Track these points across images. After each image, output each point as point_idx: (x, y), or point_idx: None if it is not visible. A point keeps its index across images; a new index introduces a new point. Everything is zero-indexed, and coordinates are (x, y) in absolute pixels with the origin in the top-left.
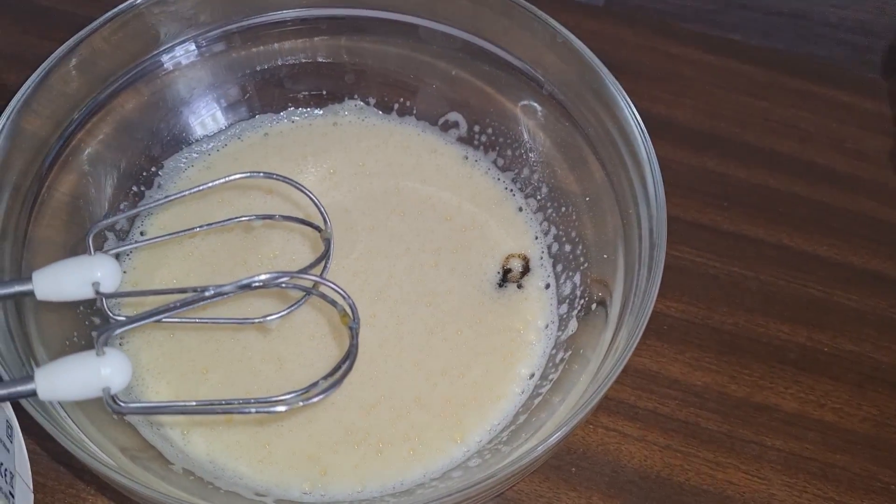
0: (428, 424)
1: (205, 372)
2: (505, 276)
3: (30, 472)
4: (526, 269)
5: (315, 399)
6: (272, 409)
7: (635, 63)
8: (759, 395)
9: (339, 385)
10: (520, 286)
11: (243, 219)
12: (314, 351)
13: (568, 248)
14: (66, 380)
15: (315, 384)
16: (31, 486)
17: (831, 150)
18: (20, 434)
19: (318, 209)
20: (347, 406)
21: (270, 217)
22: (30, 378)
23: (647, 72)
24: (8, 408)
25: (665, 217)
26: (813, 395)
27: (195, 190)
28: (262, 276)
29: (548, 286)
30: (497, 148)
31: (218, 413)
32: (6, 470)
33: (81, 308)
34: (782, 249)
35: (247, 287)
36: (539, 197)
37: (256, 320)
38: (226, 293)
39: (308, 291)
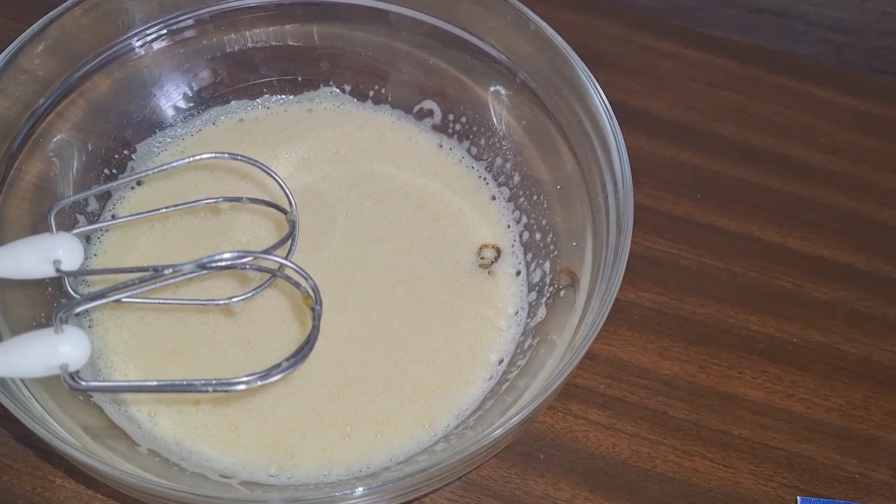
0: (396, 409)
1: (174, 355)
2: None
3: None
4: (497, 257)
5: (273, 378)
6: (232, 388)
7: (613, 55)
8: (727, 384)
9: (298, 365)
10: (491, 273)
11: (209, 200)
12: (284, 335)
13: (538, 236)
14: (24, 356)
15: (277, 365)
16: None
17: (805, 144)
18: None
19: (284, 192)
20: (316, 390)
21: (238, 199)
22: None
23: (625, 64)
24: None
25: (631, 204)
26: (780, 385)
27: (161, 169)
28: (225, 255)
29: (518, 273)
30: (471, 137)
31: (177, 391)
32: None
33: (49, 290)
34: (754, 241)
35: (208, 266)
36: (512, 185)
37: (221, 302)
38: (185, 273)
39: (273, 273)
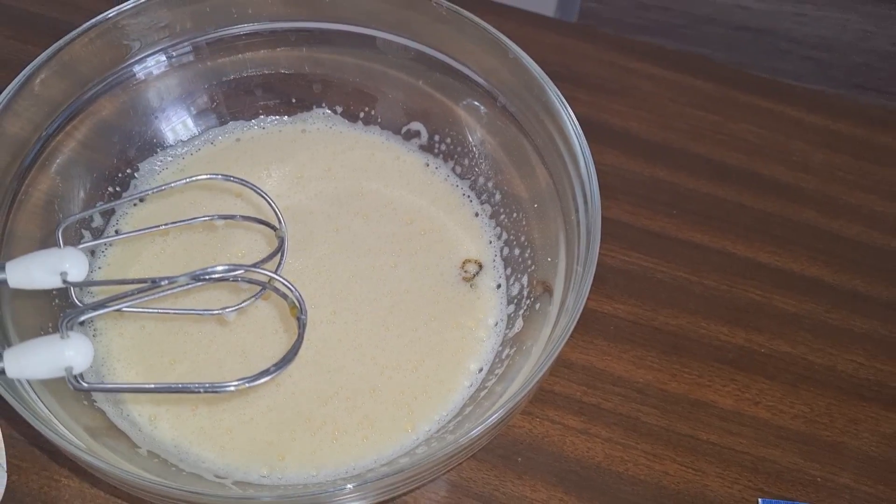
0: (381, 414)
1: (172, 363)
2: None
3: (4, 455)
4: (479, 271)
5: (261, 381)
6: (222, 389)
7: (595, 77)
8: (698, 392)
9: (283, 369)
10: (473, 286)
11: (206, 218)
12: (275, 344)
13: (517, 251)
14: (32, 359)
15: (265, 370)
16: (5, 467)
17: (777, 162)
18: None
19: (274, 210)
20: (307, 396)
21: (232, 217)
22: None
23: (606, 85)
24: None
25: (599, 217)
26: (748, 392)
27: (161, 188)
28: (218, 268)
29: (499, 286)
30: (455, 157)
31: (172, 393)
32: None
33: (56, 301)
34: (726, 256)
35: (201, 278)
36: (493, 203)
37: (215, 311)
38: (180, 284)
39: (262, 286)
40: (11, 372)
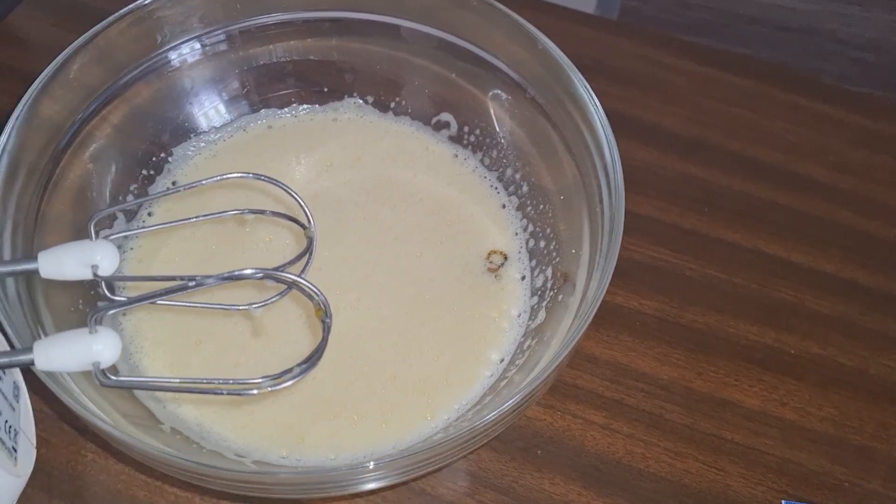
0: (401, 401)
1: (198, 343)
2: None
3: (34, 430)
4: (504, 262)
5: (284, 385)
6: (245, 392)
7: (629, 71)
8: (724, 391)
9: (307, 372)
10: (497, 277)
11: (235, 212)
12: (299, 329)
13: (543, 243)
14: (61, 353)
15: (289, 370)
16: (35, 443)
17: (813, 161)
18: (27, 395)
19: (304, 211)
20: (328, 381)
21: (261, 212)
22: (29, 350)
23: (640, 80)
24: (16, 371)
25: (623, 208)
26: (776, 393)
27: (193, 185)
28: (246, 271)
29: (523, 278)
30: (484, 148)
31: (194, 392)
32: (10, 427)
33: (86, 281)
34: (758, 254)
35: (230, 279)
36: (520, 195)
37: (242, 307)
38: (209, 284)
39: (289, 285)
40: (41, 364)
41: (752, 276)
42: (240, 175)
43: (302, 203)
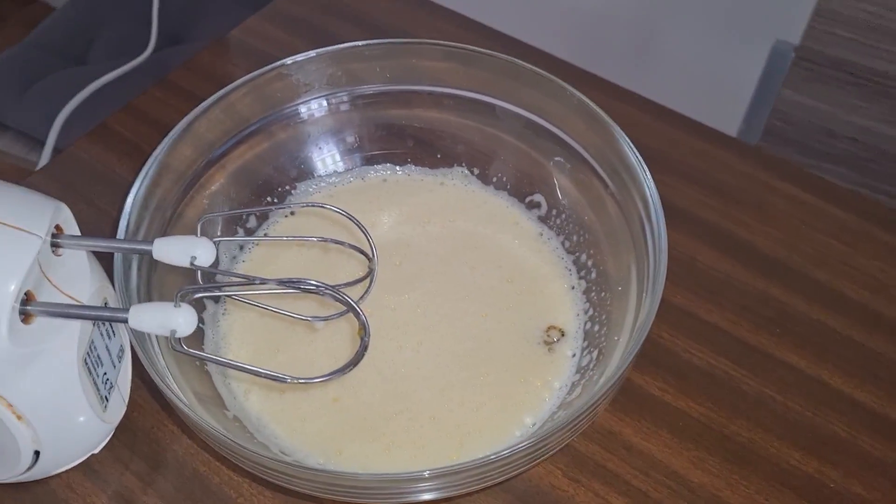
0: (434, 439)
1: (276, 351)
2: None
3: (128, 391)
4: (560, 338)
5: (310, 382)
6: (280, 379)
7: (732, 186)
8: None
9: (333, 377)
10: (550, 350)
11: (318, 239)
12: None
13: (597, 328)
14: (148, 317)
15: (322, 375)
16: (126, 401)
17: None
18: (129, 359)
19: (371, 248)
20: (376, 408)
21: (341, 243)
22: (126, 310)
23: (742, 196)
24: (125, 336)
25: (656, 308)
26: None
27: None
28: (310, 283)
29: (574, 355)
30: (566, 232)
31: (239, 370)
32: (108, 380)
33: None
34: (820, 384)
35: (290, 285)
36: (589, 280)
37: (305, 317)
38: (272, 289)
39: (346, 306)
40: (133, 323)
41: (809, 403)
42: (337, 210)
43: (370, 240)
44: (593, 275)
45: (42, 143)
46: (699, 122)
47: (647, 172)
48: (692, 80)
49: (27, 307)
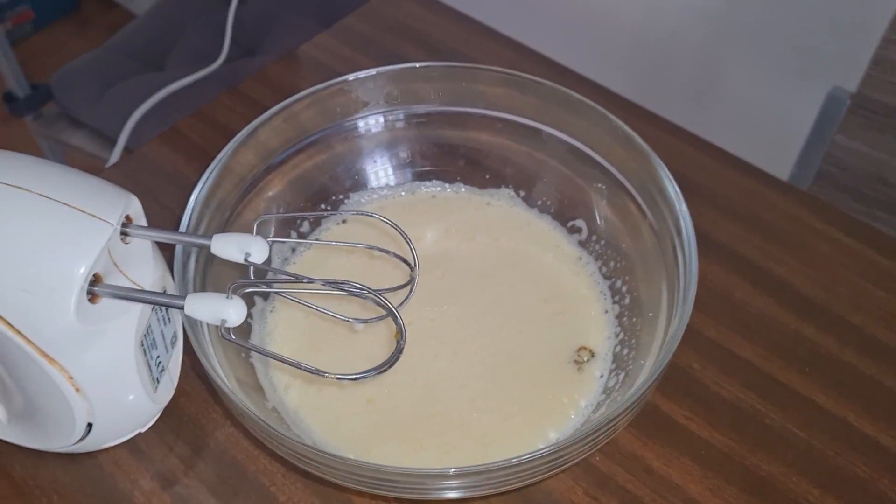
0: (460, 446)
1: (317, 351)
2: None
3: (178, 374)
4: (590, 359)
5: (344, 379)
6: (318, 374)
7: (775, 226)
8: None
9: (364, 376)
10: (580, 370)
11: (363, 245)
12: (401, 360)
13: (626, 351)
14: (202, 306)
15: (352, 374)
16: (176, 384)
17: None
18: (181, 346)
19: (414, 258)
20: (408, 412)
21: (385, 251)
22: (183, 298)
23: (783, 236)
24: (178, 324)
25: (681, 333)
26: None
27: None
28: (354, 286)
29: (601, 376)
30: (604, 258)
31: (284, 363)
32: (160, 363)
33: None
34: (845, 425)
35: (335, 287)
36: (622, 305)
37: (347, 318)
38: (318, 288)
39: (386, 310)
40: (188, 310)
41: (833, 443)
42: (385, 220)
43: (413, 250)
44: (626, 300)
45: (114, 142)
46: (748, 161)
47: (682, 200)
48: (747, 122)
49: (94, 288)
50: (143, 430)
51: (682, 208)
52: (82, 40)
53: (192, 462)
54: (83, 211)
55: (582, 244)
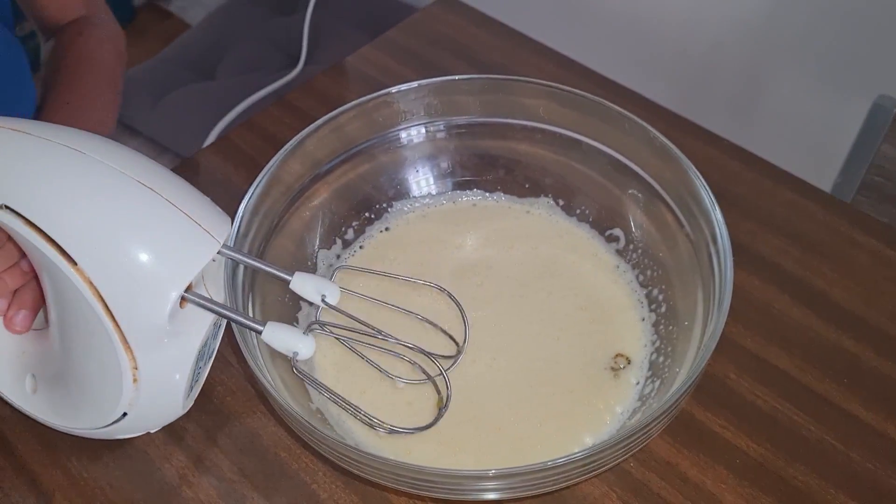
0: (496, 449)
1: (362, 392)
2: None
3: (200, 388)
4: (626, 366)
5: (393, 433)
6: (372, 425)
7: (814, 237)
8: None
9: (407, 433)
10: (616, 376)
11: (417, 315)
12: (436, 405)
13: (662, 359)
14: (279, 336)
15: (400, 429)
16: (195, 397)
17: None
18: (212, 361)
19: (465, 334)
20: (447, 416)
21: (431, 323)
22: (263, 324)
23: (824, 249)
24: (218, 342)
25: (716, 341)
26: None
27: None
28: (406, 347)
29: (637, 383)
30: (641, 267)
31: (341, 405)
32: (199, 374)
33: (289, 301)
34: (885, 439)
35: (407, 347)
36: (659, 313)
37: (391, 376)
38: (391, 343)
39: (428, 377)
40: (266, 337)
41: (871, 456)
42: (423, 282)
43: (466, 327)
44: (663, 308)
45: (169, 150)
46: (789, 172)
47: (717, 208)
48: (790, 132)
49: (188, 294)
50: (152, 430)
51: (717, 216)
52: (138, 50)
53: (238, 458)
54: (199, 224)
55: (620, 253)
